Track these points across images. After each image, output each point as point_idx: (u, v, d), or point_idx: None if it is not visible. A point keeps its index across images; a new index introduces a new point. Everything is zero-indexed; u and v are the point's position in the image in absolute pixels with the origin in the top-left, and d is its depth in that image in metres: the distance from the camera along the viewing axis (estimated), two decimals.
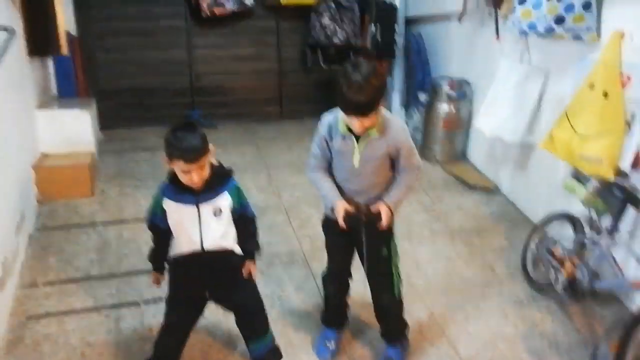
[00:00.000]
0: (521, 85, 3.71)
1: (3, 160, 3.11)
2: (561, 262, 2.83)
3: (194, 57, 5.41)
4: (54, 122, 4.04)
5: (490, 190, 4.14)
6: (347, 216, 2.14)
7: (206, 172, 2.05)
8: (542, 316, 2.86)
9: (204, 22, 5.18)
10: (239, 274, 2.28)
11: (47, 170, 3.79)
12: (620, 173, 2.81)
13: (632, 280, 2.61)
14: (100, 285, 2.98)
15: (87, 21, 5.06)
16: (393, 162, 2.19)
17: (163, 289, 2.41)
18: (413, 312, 2.84)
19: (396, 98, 5.60)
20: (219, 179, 2.13)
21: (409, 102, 5.51)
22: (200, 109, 5.42)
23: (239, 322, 2.39)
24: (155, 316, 2.67)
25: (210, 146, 2.04)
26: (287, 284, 3.00)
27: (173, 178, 2.09)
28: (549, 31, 3.09)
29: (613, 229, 2.75)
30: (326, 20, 5.23)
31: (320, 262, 2.88)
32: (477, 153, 4.57)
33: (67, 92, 4.88)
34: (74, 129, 4.11)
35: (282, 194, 4.02)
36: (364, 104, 1.93)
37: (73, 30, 4.94)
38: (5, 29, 3.06)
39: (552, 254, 2.93)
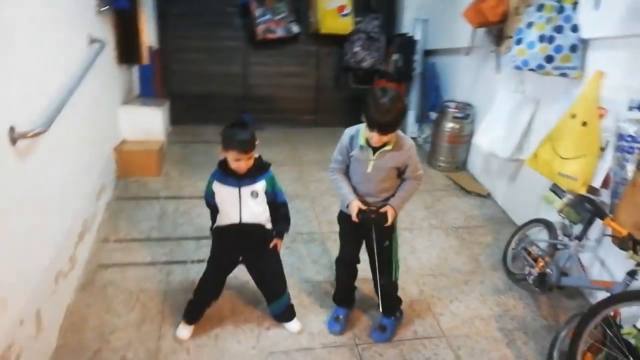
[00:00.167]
0: (515, 111, 3.65)
1: (93, 141, 3.23)
2: (535, 260, 2.79)
3: (248, 72, 5.48)
4: (134, 116, 4.14)
5: (484, 196, 4.09)
6: (360, 213, 2.16)
7: (251, 162, 2.12)
8: (515, 303, 2.83)
9: (258, 44, 5.23)
10: (267, 245, 2.33)
11: (125, 152, 3.89)
12: (591, 190, 2.77)
13: (592, 280, 2.56)
14: (157, 246, 3.07)
15: (166, 38, 5.17)
16: (399, 173, 2.21)
17: (205, 253, 2.48)
18: (407, 288, 2.85)
19: (412, 115, 5.55)
20: (259, 169, 2.19)
21: (422, 119, 5.47)
22: (250, 113, 5.48)
23: (261, 285, 2.44)
24: (198, 274, 2.69)
25: (256, 142, 2.11)
26: (306, 258, 3.04)
27: (221, 166, 2.16)
28: (540, 68, 3.04)
29: (582, 236, 2.70)
30: (357, 47, 5.22)
31: (334, 242, 2.91)
32: (475, 164, 4.51)
33: (147, 93, 5.01)
34: (148, 122, 4.21)
35: (309, 185, 4.05)
36: (388, 124, 1.96)
37: (155, 45, 5.06)
38: (98, 41, 3.18)
39: (528, 252, 2.88)
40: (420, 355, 2.40)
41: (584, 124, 2.78)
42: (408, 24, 5.41)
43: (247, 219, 2.20)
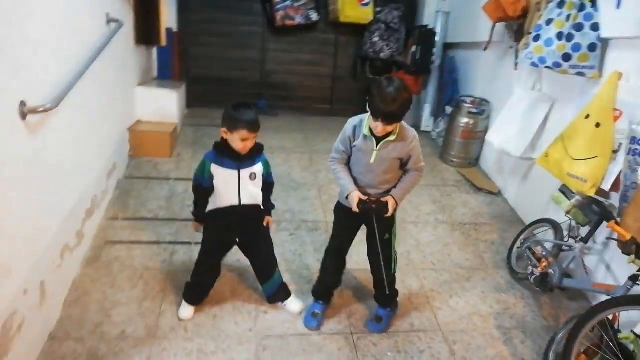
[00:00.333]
0: (530, 109, 3.60)
1: (107, 120, 3.29)
2: (538, 260, 2.77)
3: (266, 58, 5.48)
4: (149, 97, 4.20)
5: (495, 193, 4.05)
6: (360, 203, 2.17)
7: (254, 142, 2.14)
8: (515, 301, 2.81)
9: (277, 30, 5.23)
10: (261, 224, 2.38)
11: (138, 133, 3.94)
12: (601, 193, 2.73)
13: (594, 283, 2.54)
14: (163, 226, 3.13)
15: (186, 21, 5.20)
16: (401, 164, 2.20)
17: None
18: (407, 281, 2.86)
19: (427, 108, 5.51)
20: (255, 151, 2.21)
21: (438, 113, 5.42)
22: (266, 99, 5.50)
23: (255, 266, 2.49)
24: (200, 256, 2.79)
25: None
26: (308, 245, 3.06)
27: (218, 148, 2.17)
28: (557, 66, 2.98)
29: (587, 238, 2.67)
30: (376, 38, 5.18)
31: None
32: (488, 161, 4.46)
33: (165, 76, 5.07)
34: (164, 104, 4.26)
35: (318, 174, 4.06)
36: (393, 114, 1.96)
37: (175, 27, 5.10)
38: (116, 20, 3.22)
39: (532, 252, 2.87)
40: (414, 348, 2.41)
41: (598, 125, 2.73)
42: (429, 16, 5.34)
43: (246, 200, 2.23)
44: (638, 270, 2.19)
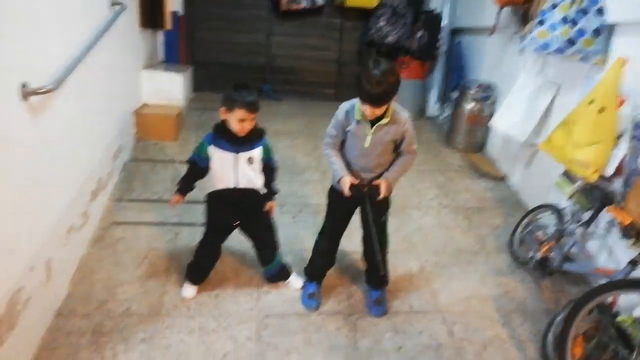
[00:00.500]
0: (535, 95, 3.58)
1: (112, 103, 3.32)
2: (540, 244, 2.78)
3: (271, 42, 5.47)
4: (154, 80, 4.22)
5: (499, 179, 4.05)
6: (352, 188, 2.17)
7: (253, 124, 2.15)
8: (516, 285, 2.83)
9: (282, 14, 5.21)
10: (260, 209, 2.38)
11: (144, 116, 3.97)
12: (604, 178, 2.72)
13: (594, 267, 2.55)
14: (168, 207, 3.09)
15: (192, 5, 5.19)
16: (395, 147, 2.20)
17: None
18: (407, 263, 2.88)
19: (434, 94, 5.49)
20: (255, 136, 2.20)
21: (444, 99, 5.40)
22: (271, 84, 5.51)
23: (256, 248, 2.51)
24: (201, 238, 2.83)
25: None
26: (311, 228, 3.08)
27: (217, 130, 2.18)
28: (560, 51, 2.96)
29: (589, 223, 2.67)
30: (382, 22, 5.14)
31: None
32: (493, 147, 4.45)
33: (171, 59, 5.08)
34: (169, 87, 4.28)
35: (322, 158, 4.06)
36: (379, 96, 1.94)
37: (180, 11, 5.10)
38: (119, 3, 3.23)
39: (534, 236, 2.88)
40: (412, 329, 2.44)
41: (601, 110, 2.71)
42: (436, 1, 5.30)
43: (243, 184, 2.24)
44: (638, 255, 2.20)
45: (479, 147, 4.57)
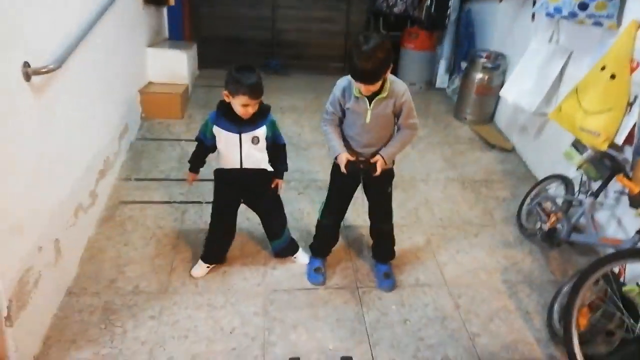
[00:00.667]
0: (546, 63, 3.48)
1: (116, 82, 3.31)
2: (548, 215, 2.76)
3: (277, 16, 5.38)
4: (159, 58, 4.19)
5: (508, 150, 3.99)
6: (348, 164, 2.16)
7: (257, 107, 2.12)
8: (523, 257, 2.82)
9: None
10: (267, 186, 2.37)
11: (149, 94, 3.96)
12: (614, 147, 2.67)
13: (601, 237, 2.52)
14: (175, 186, 3.18)
15: None
16: (397, 118, 2.16)
17: None
18: (415, 238, 2.88)
19: (442, 65, 5.38)
20: (260, 114, 2.17)
21: (453, 69, 5.30)
22: (277, 58, 5.45)
23: (264, 224, 2.52)
24: (211, 214, 2.86)
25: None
26: (317, 204, 3.06)
27: (221, 109, 2.16)
28: (573, 16, 2.86)
29: (598, 193, 2.63)
30: None
31: None
32: (503, 118, 4.37)
33: (176, 36, 5.04)
34: (174, 65, 4.25)
35: None
36: (369, 72, 1.89)
37: None
38: None
39: (542, 207, 2.85)
40: (419, 301, 2.45)
41: (613, 76, 2.63)
42: None
43: (248, 164, 2.23)
44: None
45: (489, 118, 4.50)
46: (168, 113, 4.00)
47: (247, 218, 2.83)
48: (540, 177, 3.47)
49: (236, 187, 2.36)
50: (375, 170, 2.15)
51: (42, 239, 2.08)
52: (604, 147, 2.66)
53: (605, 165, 2.61)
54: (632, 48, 2.58)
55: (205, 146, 2.28)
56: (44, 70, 2.02)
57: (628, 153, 2.60)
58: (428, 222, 3.05)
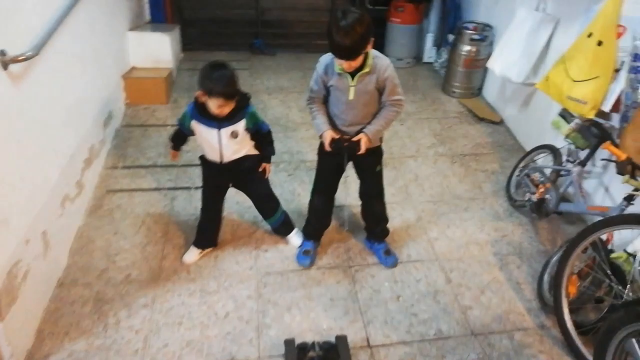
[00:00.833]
0: (533, 32, 3.44)
1: (98, 68, 3.25)
2: (536, 186, 2.76)
3: None
4: (141, 42, 4.10)
5: (497, 123, 3.98)
6: (333, 142, 2.14)
7: (231, 107, 2.07)
8: (513, 228, 2.84)
9: None
10: (253, 171, 2.34)
11: (133, 80, 3.89)
12: (601, 114, 2.66)
13: (588, 206, 2.53)
14: (163, 172, 3.16)
15: None
16: (381, 95, 2.12)
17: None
18: (405, 214, 2.89)
19: (430, 38, 5.31)
20: (238, 107, 2.10)
21: (440, 43, 5.25)
22: (262, 38, 5.36)
23: (256, 206, 2.51)
24: (200, 199, 2.84)
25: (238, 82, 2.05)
26: (307, 185, 3.06)
27: (199, 108, 2.10)
28: None
29: (585, 162, 2.64)
30: None
31: None
32: (491, 90, 4.35)
33: (158, 19, 4.91)
34: (156, 48, 4.17)
35: None
36: (349, 48, 1.85)
37: None
38: None
39: (530, 178, 2.86)
40: (411, 277, 2.47)
41: (600, 43, 2.61)
42: None
43: (228, 157, 2.20)
44: (633, 190, 2.18)
45: (477, 91, 4.48)
46: (153, 98, 3.94)
47: (236, 202, 2.82)
48: (528, 148, 3.47)
49: (221, 176, 2.33)
50: (360, 148, 2.13)
51: (29, 231, 2.06)
52: (591, 115, 2.66)
53: (593, 133, 2.61)
54: (619, 14, 2.55)
55: (184, 133, 2.26)
56: (21, 58, 1.97)
57: (615, 120, 2.60)
58: (418, 198, 3.05)
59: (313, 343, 1.99)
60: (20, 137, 2.03)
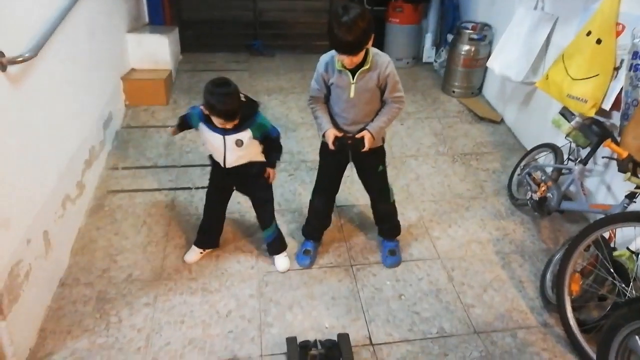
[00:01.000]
0: (532, 30, 3.46)
1: (97, 69, 3.26)
2: (538, 184, 2.77)
3: None
4: (140, 44, 4.11)
5: (497, 122, 3.99)
6: (336, 140, 2.15)
7: (234, 124, 2.07)
8: (515, 227, 2.84)
9: None
10: (257, 177, 2.33)
11: (132, 81, 3.90)
12: (602, 112, 2.68)
13: (590, 204, 2.54)
14: (163, 172, 3.17)
15: None
16: (382, 93, 2.13)
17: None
18: (406, 214, 2.89)
19: (429, 38, 5.32)
20: (245, 117, 2.09)
21: (440, 43, 5.26)
22: (261, 39, 5.37)
23: (256, 212, 2.49)
24: (201, 199, 2.81)
25: (242, 97, 2.04)
26: (308, 185, 3.07)
27: (205, 116, 2.10)
28: None
29: (587, 160, 2.65)
30: None
31: None
32: (491, 89, 4.36)
33: (156, 21, 4.92)
34: (155, 50, 4.18)
35: None
36: (351, 43, 1.86)
37: None
38: None
39: (532, 177, 2.87)
40: (413, 276, 2.48)
41: (599, 41, 2.64)
42: None
43: (231, 163, 2.20)
44: (635, 188, 2.19)
45: (477, 90, 4.49)
46: (152, 99, 3.94)
47: (237, 202, 2.82)
48: (529, 147, 3.48)
49: (226, 176, 2.33)
50: (364, 145, 2.13)
51: (31, 231, 2.06)
52: (591, 113, 2.68)
53: (593, 131, 2.62)
54: (617, 11, 2.57)
55: (190, 125, 2.26)
56: (19, 59, 1.97)
57: (615, 118, 2.61)
58: (419, 197, 3.06)
59: (315, 341, 1.99)
60: (20, 137, 2.03)
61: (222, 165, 2.22)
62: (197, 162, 3.27)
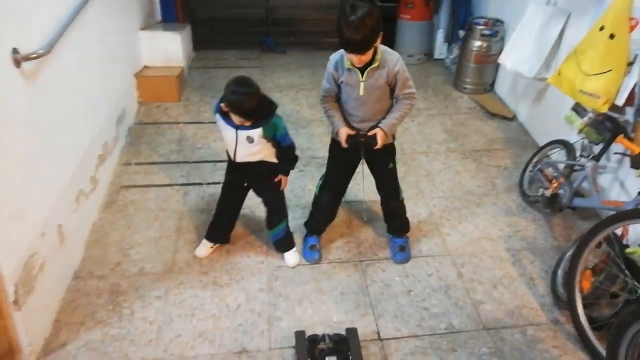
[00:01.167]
0: (544, 26, 3.43)
1: (111, 66, 3.30)
2: (549, 181, 2.75)
3: None
4: (153, 41, 4.15)
5: (509, 118, 3.96)
6: (349, 138, 2.16)
7: (251, 122, 2.11)
8: (526, 224, 2.83)
9: None
10: (266, 177, 2.35)
11: (145, 78, 3.94)
12: (615, 108, 2.64)
13: (603, 200, 2.52)
14: (175, 168, 3.20)
15: None
16: (392, 91, 2.14)
17: (220, 176, 2.57)
18: (416, 210, 2.89)
19: (440, 35, 5.29)
20: (260, 116, 2.11)
21: (451, 39, 5.23)
22: (272, 37, 5.39)
23: (265, 208, 2.51)
24: (212, 195, 2.88)
25: (262, 97, 2.08)
26: (318, 181, 3.09)
27: (222, 111, 2.14)
28: None
29: (599, 156, 2.62)
30: None
31: None
32: (503, 86, 4.33)
33: (169, 18, 4.96)
34: (168, 47, 4.22)
35: None
36: (360, 42, 1.87)
37: None
38: None
39: (544, 173, 2.85)
40: (422, 272, 2.48)
41: (612, 36, 2.60)
42: None
43: (241, 158, 2.23)
44: None
45: (488, 87, 4.46)
46: (165, 96, 3.98)
47: (248, 197, 2.83)
48: (541, 143, 3.45)
49: (236, 171, 2.35)
50: (376, 142, 2.14)
51: (45, 224, 2.10)
52: (604, 109, 2.64)
53: (606, 127, 2.59)
54: (631, 6, 2.53)
55: None
56: (33, 55, 2.01)
57: (629, 114, 2.58)
58: (430, 194, 3.06)
59: (323, 335, 2.00)
60: (35, 133, 2.07)
61: (232, 158, 2.25)
62: (208, 158, 3.30)
